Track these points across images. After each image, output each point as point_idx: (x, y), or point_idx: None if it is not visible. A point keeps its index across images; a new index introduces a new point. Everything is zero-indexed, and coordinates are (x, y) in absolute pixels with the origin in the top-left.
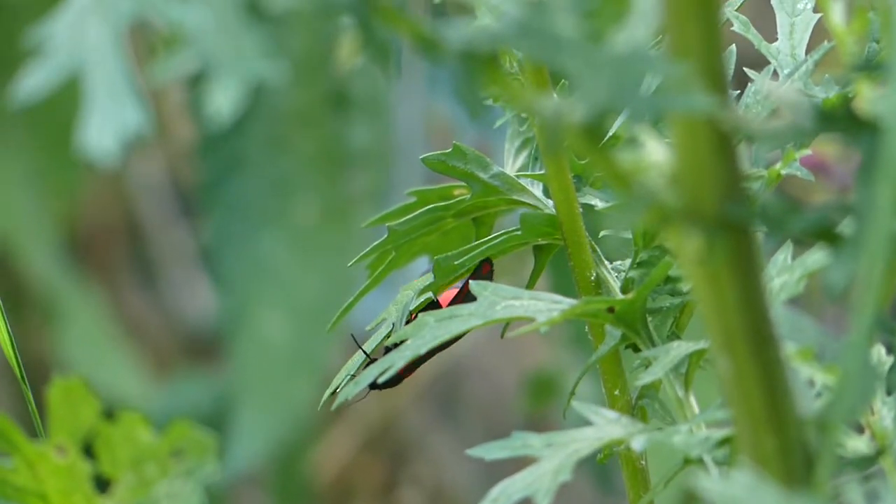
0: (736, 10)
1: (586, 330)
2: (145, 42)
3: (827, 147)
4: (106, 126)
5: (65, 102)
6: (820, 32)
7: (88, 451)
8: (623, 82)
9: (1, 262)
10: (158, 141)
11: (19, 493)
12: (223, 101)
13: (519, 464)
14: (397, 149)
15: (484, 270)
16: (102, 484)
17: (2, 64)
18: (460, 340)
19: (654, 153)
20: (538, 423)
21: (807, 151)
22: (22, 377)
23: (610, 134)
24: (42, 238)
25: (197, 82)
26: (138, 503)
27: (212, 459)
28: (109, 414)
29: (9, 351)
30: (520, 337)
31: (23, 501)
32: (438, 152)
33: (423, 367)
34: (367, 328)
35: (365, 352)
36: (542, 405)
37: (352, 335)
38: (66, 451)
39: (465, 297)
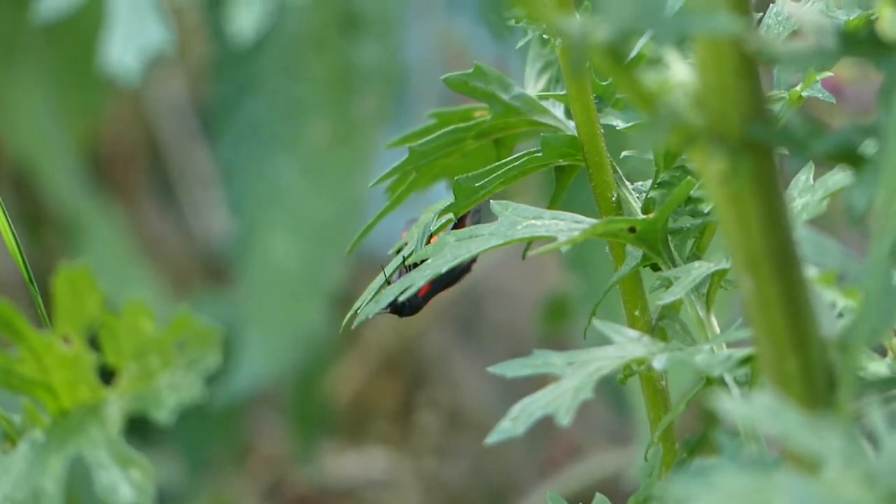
0: None
1: (606, 251)
2: None
3: (841, 70)
4: (128, 43)
5: (86, 21)
6: None
7: (93, 343)
8: (647, 3)
9: (22, 181)
10: (178, 60)
11: (25, 384)
12: (246, 19)
13: (538, 386)
14: (410, 71)
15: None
16: (106, 376)
17: None
18: (478, 261)
19: (678, 74)
20: (555, 346)
21: (828, 74)
22: (27, 270)
23: (633, 54)
24: (62, 157)
25: (215, 1)
26: (141, 393)
27: (213, 351)
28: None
29: (13, 248)
30: (539, 258)
31: (28, 391)
32: (459, 73)
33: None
34: (390, 252)
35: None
36: (557, 327)
37: (381, 266)
38: (71, 341)
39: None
